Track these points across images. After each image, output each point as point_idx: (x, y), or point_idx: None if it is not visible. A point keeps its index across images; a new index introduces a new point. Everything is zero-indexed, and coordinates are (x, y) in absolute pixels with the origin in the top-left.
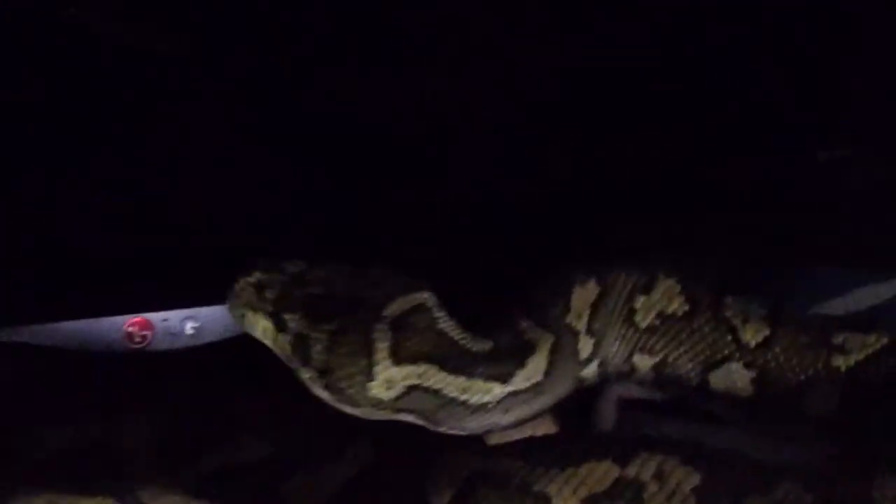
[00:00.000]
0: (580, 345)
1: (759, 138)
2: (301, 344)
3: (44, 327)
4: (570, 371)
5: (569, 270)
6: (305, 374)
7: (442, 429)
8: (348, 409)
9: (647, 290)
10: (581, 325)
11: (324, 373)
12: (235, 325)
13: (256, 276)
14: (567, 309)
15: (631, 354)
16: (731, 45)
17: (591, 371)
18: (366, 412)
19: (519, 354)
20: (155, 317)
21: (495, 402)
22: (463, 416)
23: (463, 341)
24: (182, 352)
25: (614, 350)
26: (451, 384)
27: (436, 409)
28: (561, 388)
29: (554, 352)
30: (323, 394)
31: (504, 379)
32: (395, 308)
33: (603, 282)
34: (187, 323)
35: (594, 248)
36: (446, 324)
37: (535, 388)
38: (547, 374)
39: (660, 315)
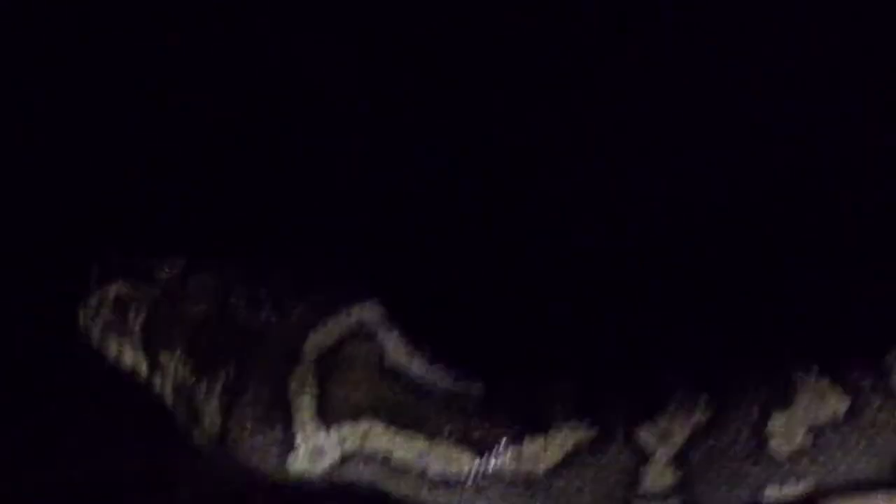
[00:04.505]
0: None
1: None
2: (185, 396)
3: None
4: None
5: None
6: (197, 438)
7: None
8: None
9: None
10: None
11: (222, 439)
12: None
13: (116, 288)
14: None
15: None
16: None
17: None
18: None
19: (526, 418)
20: None
21: (465, 480)
22: (419, 490)
23: (424, 384)
24: None
25: None
26: (403, 447)
27: (387, 480)
28: None
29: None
30: (226, 461)
31: (485, 448)
32: (319, 339)
33: None
34: None
35: None
36: (399, 356)
37: (531, 483)
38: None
39: None
